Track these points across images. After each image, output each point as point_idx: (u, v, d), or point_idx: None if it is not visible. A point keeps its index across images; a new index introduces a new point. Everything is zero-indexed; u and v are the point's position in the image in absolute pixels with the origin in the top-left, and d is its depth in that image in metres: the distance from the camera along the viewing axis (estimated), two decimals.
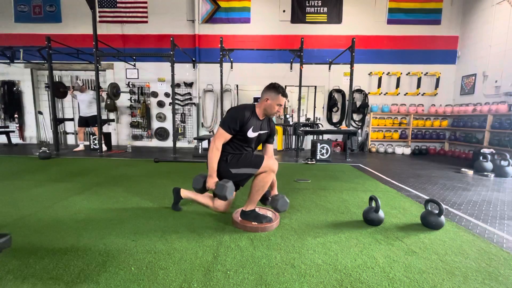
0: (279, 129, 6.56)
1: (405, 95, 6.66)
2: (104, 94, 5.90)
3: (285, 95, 1.85)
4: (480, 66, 5.75)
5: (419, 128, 6.62)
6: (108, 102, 6.18)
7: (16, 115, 6.83)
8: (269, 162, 1.81)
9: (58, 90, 5.74)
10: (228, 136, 1.83)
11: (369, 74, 6.65)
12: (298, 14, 6.50)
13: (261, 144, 2.09)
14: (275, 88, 1.84)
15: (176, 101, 6.64)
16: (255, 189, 1.85)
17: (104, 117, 6.58)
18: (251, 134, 1.86)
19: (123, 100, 6.77)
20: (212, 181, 1.82)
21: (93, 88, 6.97)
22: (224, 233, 1.79)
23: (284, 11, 6.52)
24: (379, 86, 6.64)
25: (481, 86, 5.73)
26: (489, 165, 3.97)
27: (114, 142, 6.88)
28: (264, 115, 1.92)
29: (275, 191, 2.05)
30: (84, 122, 5.72)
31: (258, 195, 1.86)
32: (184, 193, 2.15)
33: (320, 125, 6.57)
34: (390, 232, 1.85)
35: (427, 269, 1.40)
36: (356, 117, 6.86)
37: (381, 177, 3.65)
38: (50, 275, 1.28)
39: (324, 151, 4.96)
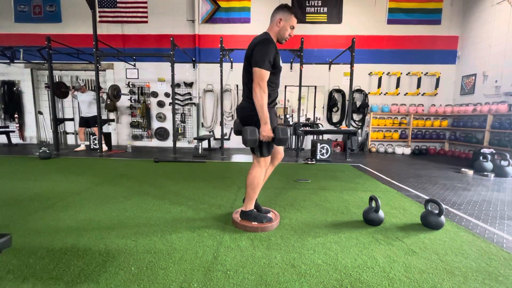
0: None
1: (405, 95, 6.66)
2: (104, 95, 5.91)
3: (297, 16, 1.74)
4: (480, 66, 5.75)
5: (419, 128, 6.61)
6: (108, 102, 6.18)
7: (16, 115, 6.83)
8: (268, 159, 1.81)
9: (59, 90, 5.75)
10: (268, 75, 1.66)
11: (369, 74, 6.65)
12: (298, 14, 6.49)
13: None
14: (287, 8, 1.71)
15: (176, 101, 6.64)
16: (250, 188, 1.83)
17: (104, 117, 6.58)
18: (281, 64, 1.77)
19: (123, 100, 6.77)
20: (268, 127, 1.66)
21: (93, 88, 6.97)
22: (224, 233, 1.79)
23: None
24: (379, 86, 6.64)
25: (481, 86, 5.73)
26: (489, 165, 3.97)
27: (114, 142, 6.88)
28: (276, 40, 1.77)
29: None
30: (85, 122, 5.72)
31: (254, 192, 1.85)
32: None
33: (320, 125, 6.57)
34: (390, 232, 1.85)
35: (427, 269, 1.40)
36: (356, 117, 6.86)
37: (381, 177, 3.65)
38: (50, 275, 1.28)
39: (324, 151, 4.96)
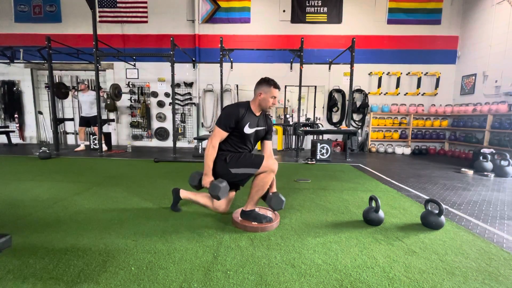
0: (279, 129, 6.56)
1: (405, 95, 6.66)
2: (105, 95, 5.91)
3: (277, 86, 1.87)
4: (480, 66, 5.75)
5: (419, 128, 6.61)
6: (108, 102, 6.18)
7: (16, 115, 6.83)
8: (268, 162, 1.80)
9: (59, 91, 5.76)
10: (224, 134, 1.84)
11: (369, 74, 6.65)
12: (298, 14, 6.50)
13: (259, 142, 2.09)
14: (266, 81, 1.85)
15: (176, 101, 6.64)
16: (254, 189, 1.85)
17: (104, 117, 6.58)
18: (247, 130, 1.86)
19: (123, 100, 6.77)
20: (207, 179, 1.84)
21: (93, 88, 6.97)
22: (224, 233, 1.79)
23: (284, 11, 6.52)
24: (379, 86, 6.64)
25: (481, 86, 5.73)
26: (489, 165, 3.97)
27: (114, 142, 6.88)
28: (260, 110, 1.93)
29: (273, 189, 2.03)
30: (86, 122, 5.74)
31: (258, 195, 1.86)
32: (184, 193, 2.13)
33: (320, 125, 6.57)
34: (390, 232, 1.85)
35: (427, 269, 1.40)
36: (356, 117, 6.86)
37: (381, 177, 3.65)
38: (50, 275, 1.28)
39: (324, 151, 4.96)
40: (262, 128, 1.97)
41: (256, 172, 1.82)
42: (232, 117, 1.80)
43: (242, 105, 1.87)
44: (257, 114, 1.92)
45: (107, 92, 5.88)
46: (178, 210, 2.19)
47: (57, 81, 6.96)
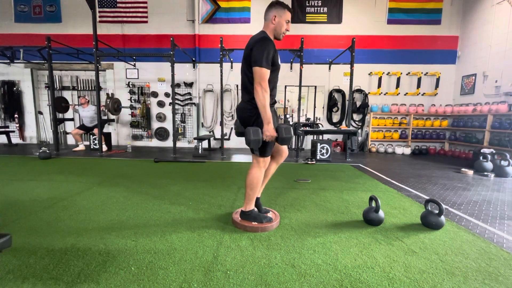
0: None
1: (405, 95, 6.66)
2: (104, 108, 5.91)
3: (290, 10, 1.73)
4: (480, 66, 5.75)
5: (419, 128, 6.61)
6: (108, 102, 6.17)
7: (16, 115, 6.83)
8: (268, 159, 1.80)
9: (60, 105, 5.81)
10: (269, 73, 1.64)
11: (369, 74, 6.65)
12: (298, 14, 6.50)
13: None
14: (279, 4, 1.70)
15: (176, 101, 6.64)
16: (249, 188, 1.83)
17: (104, 117, 6.58)
18: (280, 62, 1.75)
19: (124, 100, 6.77)
20: (271, 127, 1.63)
21: (93, 88, 6.97)
22: (224, 233, 1.79)
23: None
24: (379, 86, 6.64)
25: (481, 86, 5.73)
26: (489, 165, 3.96)
27: (114, 142, 6.88)
28: (274, 38, 1.76)
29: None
30: (85, 128, 5.82)
31: (253, 192, 1.85)
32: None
33: (320, 125, 6.56)
34: (390, 232, 1.85)
35: (427, 269, 1.40)
36: (356, 117, 6.86)
37: (381, 177, 3.65)
38: (50, 275, 1.28)
39: (324, 151, 4.96)
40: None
41: (256, 155, 1.74)
42: (271, 50, 1.62)
43: (267, 37, 1.67)
44: None
45: (107, 105, 5.87)
46: (267, 212, 2.05)
47: (57, 81, 6.97)
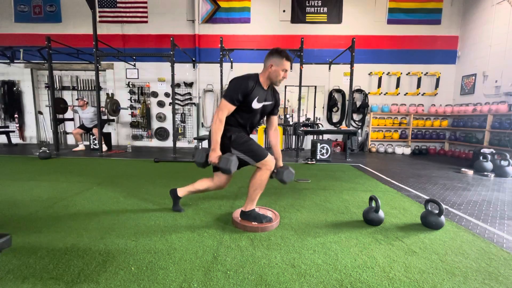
0: (279, 129, 6.56)
1: (405, 95, 6.66)
2: (103, 109, 5.91)
3: (289, 58, 1.75)
4: (480, 66, 5.75)
5: (419, 128, 6.61)
6: (108, 101, 6.17)
7: (16, 115, 6.83)
8: (269, 159, 1.80)
9: (58, 106, 5.78)
10: (232, 108, 1.74)
11: (369, 74, 6.65)
12: (298, 14, 6.50)
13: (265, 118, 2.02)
14: (278, 53, 1.74)
15: (176, 101, 6.64)
16: (252, 189, 1.84)
17: (104, 117, 6.58)
18: (255, 105, 1.77)
19: (123, 100, 6.77)
20: (215, 155, 1.73)
21: (93, 88, 6.97)
22: (224, 233, 1.79)
23: (284, 11, 6.52)
24: (379, 86, 6.64)
25: (481, 86, 5.73)
26: (489, 165, 3.96)
27: (114, 142, 6.88)
28: (269, 83, 1.83)
29: (280, 163, 1.98)
30: (85, 128, 5.80)
31: (256, 194, 1.85)
32: (182, 191, 2.09)
33: (320, 125, 6.57)
34: (390, 232, 1.85)
35: (427, 269, 1.40)
36: (356, 117, 6.86)
37: (381, 177, 3.65)
38: (50, 275, 1.28)
39: (324, 151, 4.96)
40: (270, 103, 1.89)
41: (254, 164, 1.80)
42: (241, 90, 1.69)
43: (251, 77, 1.75)
44: (266, 87, 1.82)
45: (105, 106, 5.86)
46: (181, 210, 2.17)
47: (57, 81, 6.97)
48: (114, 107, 5.99)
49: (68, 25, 6.69)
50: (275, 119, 2.01)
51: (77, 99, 5.69)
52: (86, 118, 5.70)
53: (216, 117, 1.73)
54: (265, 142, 6.50)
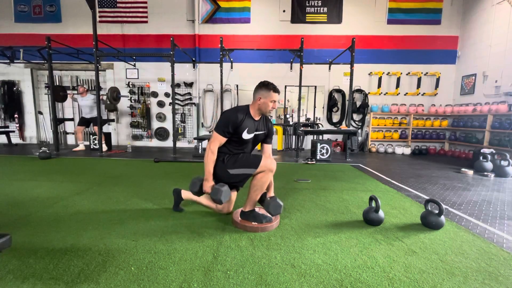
0: (279, 129, 6.56)
1: (405, 95, 6.66)
2: (104, 97, 5.91)
3: (276, 90, 1.83)
4: (480, 66, 5.75)
5: (419, 128, 6.61)
6: (109, 103, 6.18)
7: (16, 115, 6.83)
8: (266, 161, 1.80)
9: (58, 94, 5.74)
10: (222, 140, 1.84)
11: (369, 74, 6.65)
12: (298, 14, 6.50)
13: (260, 144, 2.08)
14: (265, 86, 1.83)
15: (176, 101, 6.64)
16: (253, 189, 1.85)
17: (104, 117, 6.58)
18: (246, 135, 1.85)
19: (123, 100, 6.77)
20: (208, 184, 1.83)
21: (93, 88, 6.97)
22: (224, 233, 1.79)
23: (284, 11, 6.52)
24: (379, 86, 6.64)
25: (481, 86, 5.73)
26: (489, 165, 3.96)
27: (114, 142, 6.88)
28: (260, 114, 1.91)
29: (271, 193, 2.00)
30: (86, 122, 5.78)
31: (256, 195, 1.86)
32: (185, 194, 2.14)
33: (320, 125, 6.57)
34: (390, 232, 1.85)
35: (427, 269, 1.40)
36: (356, 117, 6.86)
37: (381, 177, 3.65)
38: (50, 275, 1.28)
39: (324, 151, 4.96)
40: (261, 132, 1.96)
41: (254, 172, 1.82)
42: (230, 123, 1.79)
43: (240, 110, 1.84)
44: (257, 118, 1.90)
45: (106, 94, 5.86)
46: (181, 210, 2.19)
47: (57, 81, 6.97)
48: (115, 94, 5.98)
49: (68, 25, 6.68)
50: (268, 148, 2.03)
51: (77, 86, 5.66)
52: (85, 105, 5.61)
53: (208, 148, 1.82)
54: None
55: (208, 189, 1.82)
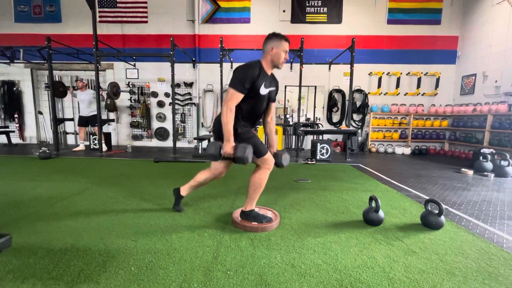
0: (279, 129, 6.56)
1: (405, 95, 6.66)
2: (104, 94, 5.90)
3: (287, 40, 1.78)
4: (480, 66, 5.75)
5: (419, 128, 6.61)
6: (108, 102, 6.18)
7: (16, 115, 6.83)
8: (268, 157, 1.81)
9: (57, 90, 5.72)
10: (240, 96, 1.71)
11: (369, 74, 6.65)
12: (298, 14, 6.50)
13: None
14: (276, 36, 1.76)
15: (176, 101, 6.64)
16: (252, 188, 1.84)
17: (104, 117, 6.58)
18: (263, 91, 1.76)
19: (123, 100, 6.78)
20: (229, 145, 1.70)
21: (93, 88, 6.97)
22: (224, 233, 1.79)
23: (284, 11, 6.52)
24: (379, 86, 6.64)
25: (481, 86, 5.73)
26: (489, 165, 3.96)
27: (114, 142, 6.88)
28: (272, 68, 1.82)
29: (275, 149, 2.02)
30: (84, 122, 5.73)
31: (256, 194, 1.86)
32: (184, 189, 2.10)
33: (320, 125, 6.57)
34: (390, 232, 1.85)
35: (427, 269, 1.40)
36: (356, 117, 6.86)
37: (381, 177, 3.65)
38: (50, 275, 1.28)
39: (324, 151, 4.96)
40: (273, 88, 1.89)
41: (255, 161, 1.81)
42: (248, 77, 1.68)
43: (255, 65, 1.74)
44: (269, 73, 1.82)
45: (105, 90, 5.85)
46: (181, 210, 2.18)
47: (56, 80, 6.96)
48: (115, 89, 5.98)
49: (68, 25, 6.68)
50: (273, 106, 2.00)
51: (77, 81, 5.65)
52: (85, 100, 5.57)
53: (226, 107, 1.69)
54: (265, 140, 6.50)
55: (230, 150, 1.69)
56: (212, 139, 2.05)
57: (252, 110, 1.82)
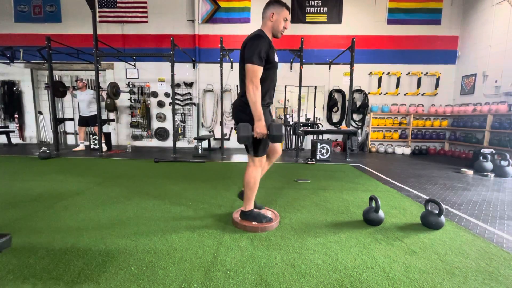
0: None
1: (405, 95, 6.66)
2: (104, 94, 5.90)
3: (288, 8, 1.73)
4: (480, 66, 5.75)
5: (419, 128, 6.61)
6: (108, 102, 6.17)
7: (16, 115, 6.83)
8: (262, 158, 1.81)
9: (57, 90, 5.72)
10: (261, 70, 1.62)
11: (369, 74, 6.65)
12: (298, 14, 6.50)
13: None
14: (277, 1, 1.70)
15: (176, 101, 6.64)
16: (247, 188, 1.83)
17: (104, 117, 6.58)
18: (276, 59, 1.72)
19: (123, 100, 6.78)
20: (262, 124, 1.62)
21: (93, 88, 6.97)
22: (224, 233, 1.79)
23: None
24: (379, 86, 6.64)
25: (481, 86, 5.73)
26: (489, 165, 3.96)
27: (114, 142, 6.88)
28: (271, 36, 1.75)
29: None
30: (84, 122, 5.73)
31: (252, 192, 1.85)
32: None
33: (320, 125, 6.57)
34: (390, 232, 1.85)
35: (427, 269, 1.40)
36: (356, 117, 6.86)
37: (381, 177, 3.65)
38: (50, 275, 1.28)
39: (324, 151, 4.96)
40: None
41: (249, 154, 1.78)
42: (264, 47, 1.59)
43: (262, 34, 1.66)
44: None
45: (105, 90, 5.85)
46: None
47: (56, 80, 6.96)
48: (115, 89, 5.97)
49: (68, 25, 6.68)
50: None
51: (76, 81, 5.65)
52: (84, 100, 5.58)
53: (252, 86, 1.59)
54: None
55: (264, 130, 1.61)
56: (233, 127, 1.89)
57: (270, 82, 1.75)
